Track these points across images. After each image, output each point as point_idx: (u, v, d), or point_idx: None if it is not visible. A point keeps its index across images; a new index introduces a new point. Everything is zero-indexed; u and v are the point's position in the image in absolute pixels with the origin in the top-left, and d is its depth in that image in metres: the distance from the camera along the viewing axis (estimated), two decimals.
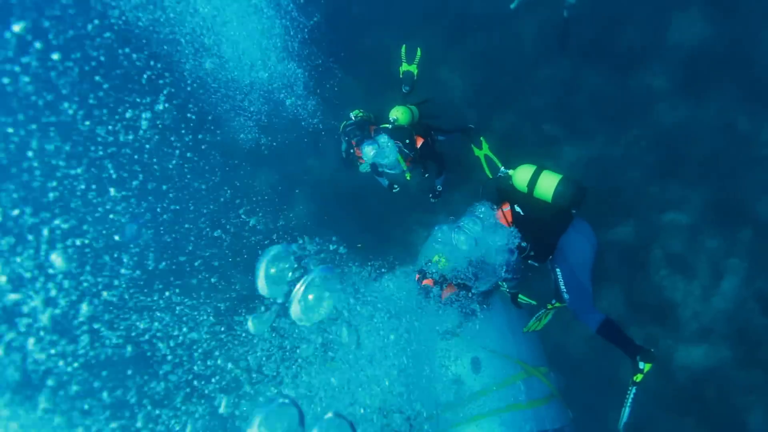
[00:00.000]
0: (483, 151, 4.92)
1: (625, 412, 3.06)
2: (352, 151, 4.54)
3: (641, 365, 2.90)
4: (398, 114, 4.17)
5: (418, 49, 4.77)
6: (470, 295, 4.17)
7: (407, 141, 4.08)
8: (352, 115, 4.68)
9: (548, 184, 3.18)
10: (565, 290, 3.18)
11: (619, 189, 5.58)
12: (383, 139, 3.99)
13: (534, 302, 4.63)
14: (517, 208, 3.27)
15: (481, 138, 4.95)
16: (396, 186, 4.76)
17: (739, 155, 5.15)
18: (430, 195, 4.91)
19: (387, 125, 4.19)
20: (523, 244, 3.26)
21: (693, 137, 5.38)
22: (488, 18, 6.61)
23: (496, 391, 3.76)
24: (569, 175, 3.22)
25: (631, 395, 3.03)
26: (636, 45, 5.93)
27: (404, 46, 4.79)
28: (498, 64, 6.57)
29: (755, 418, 4.57)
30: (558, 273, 3.23)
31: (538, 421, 3.81)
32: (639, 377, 2.93)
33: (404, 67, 5.26)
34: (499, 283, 4.78)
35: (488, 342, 4.13)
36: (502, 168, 3.52)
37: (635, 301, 5.30)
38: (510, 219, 3.31)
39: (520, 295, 4.58)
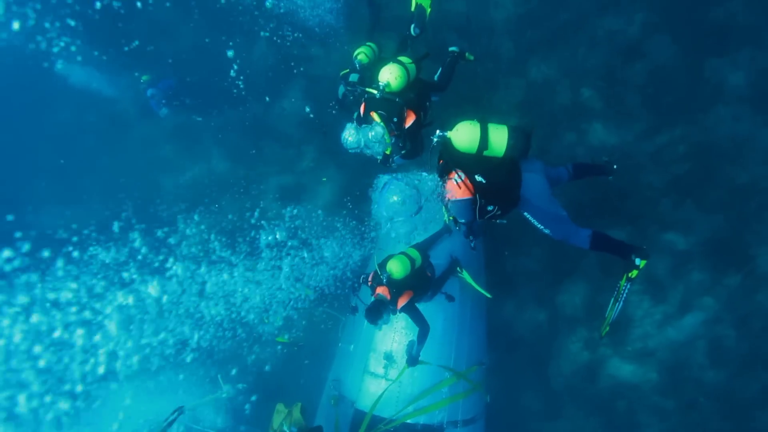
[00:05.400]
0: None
1: (618, 307, 3.10)
2: (351, 98, 3.79)
3: (638, 261, 2.91)
4: (392, 77, 3.28)
5: None
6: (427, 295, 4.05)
7: (395, 120, 3.32)
8: (356, 58, 3.81)
9: (500, 140, 2.78)
10: (542, 227, 3.01)
11: (630, 191, 4.99)
12: (376, 132, 3.31)
13: (489, 295, 4.54)
14: (479, 178, 2.86)
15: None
16: (393, 162, 3.98)
17: None
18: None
19: (374, 92, 3.31)
20: (489, 207, 2.95)
21: (739, 160, 4.60)
22: None
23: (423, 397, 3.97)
24: (515, 125, 2.85)
25: (626, 292, 3.04)
26: (738, 19, 4.59)
27: None
28: None
29: None
30: (528, 216, 3.05)
31: (451, 412, 4.12)
32: (635, 273, 2.94)
33: None
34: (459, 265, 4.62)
35: (428, 355, 4.08)
36: (438, 131, 2.95)
37: (594, 304, 5.25)
38: (472, 189, 2.90)
39: (471, 280, 4.43)
